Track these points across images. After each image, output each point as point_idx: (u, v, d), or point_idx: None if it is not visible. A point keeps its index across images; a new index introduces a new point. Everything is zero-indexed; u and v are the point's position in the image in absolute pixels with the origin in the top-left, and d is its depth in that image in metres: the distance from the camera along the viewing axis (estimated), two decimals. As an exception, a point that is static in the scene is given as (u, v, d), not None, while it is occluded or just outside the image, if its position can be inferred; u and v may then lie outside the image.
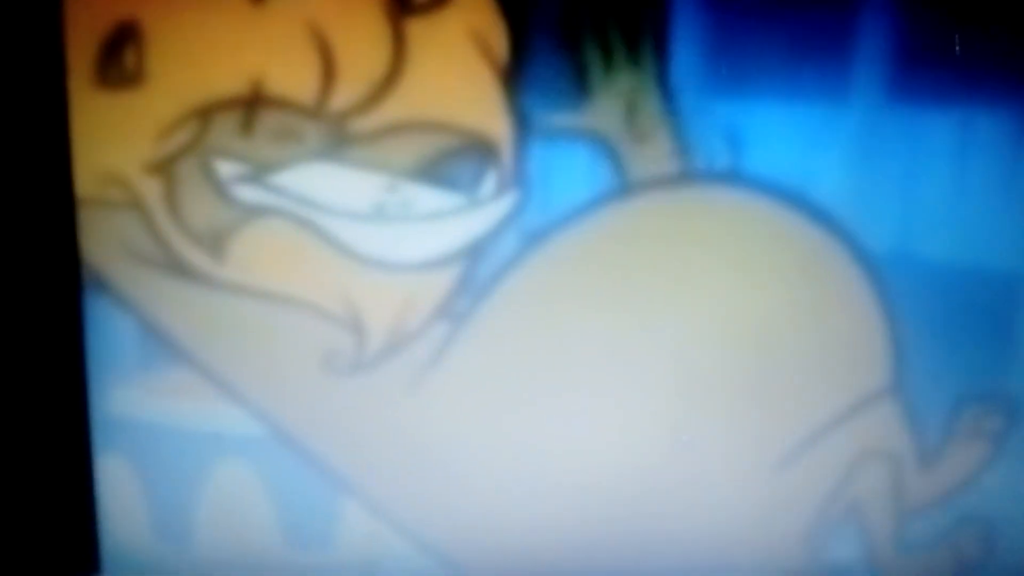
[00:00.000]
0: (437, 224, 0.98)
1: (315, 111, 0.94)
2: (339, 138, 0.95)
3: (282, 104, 0.94)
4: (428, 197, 0.97)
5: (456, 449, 1.04)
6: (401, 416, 1.03)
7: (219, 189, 0.96)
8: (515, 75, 0.95)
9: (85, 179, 0.97)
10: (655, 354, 1.02)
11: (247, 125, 0.95)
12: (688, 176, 0.97)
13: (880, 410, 1.03)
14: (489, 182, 0.96)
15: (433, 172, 0.96)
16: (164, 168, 0.96)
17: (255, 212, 0.97)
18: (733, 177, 0.97)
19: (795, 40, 0.95)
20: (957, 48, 0.94)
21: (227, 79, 0.94)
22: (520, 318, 1.01)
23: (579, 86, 0.95)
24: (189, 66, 0.94)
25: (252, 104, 0.94)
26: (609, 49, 0.94)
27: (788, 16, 0.94)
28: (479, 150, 0.96)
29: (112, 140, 0.96)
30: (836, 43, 0.95)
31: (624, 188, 0.97)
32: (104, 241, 0.98)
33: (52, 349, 1.00)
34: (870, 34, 0.94)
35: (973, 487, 1.06)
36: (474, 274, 0.99)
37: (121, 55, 0.94)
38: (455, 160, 0.96)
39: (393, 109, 0.94)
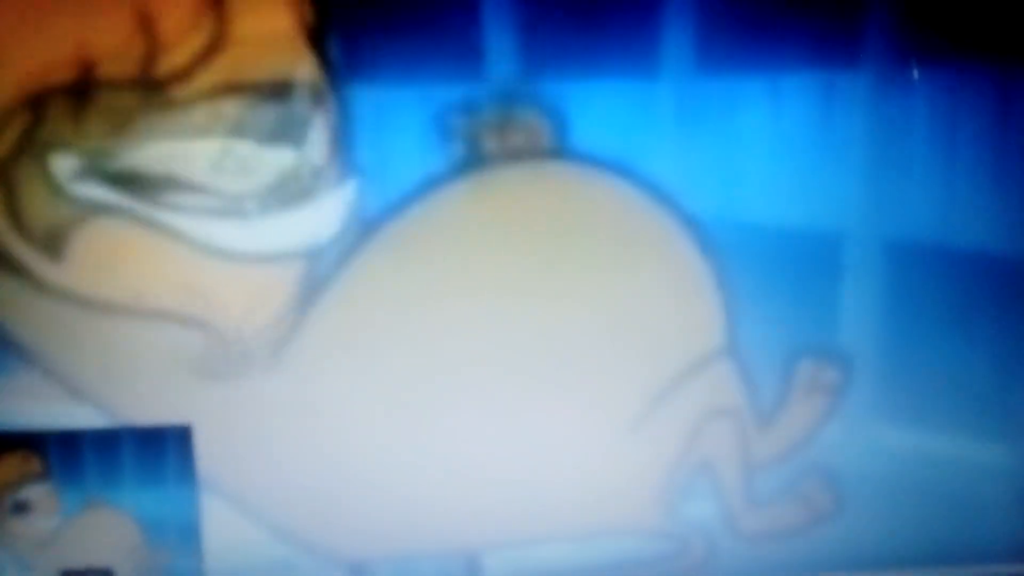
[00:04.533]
0: (276, 212, 1.02)
1: (140, 83, 0.98)
2: (167, 107, 0.99)
3: (109, 82, 0.98)
4: (261, 154, 1.01)
5: (308, 440, 1.09)
6: (249, 410, 1.08)
7: (56, 186, 1.00)
8: (325, 31, 0.99)
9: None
10: (497, 330, 1.06)
11: (78, 109, 0.98)
12: (515, 154, 1.03)
13: (718, 369, 1.08)
14: (318, 128, 1.01)
15: (263, 127, 1.00)
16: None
17: (94, 210, 1.01)
18: (560, 153, 1.03)
19: (608, 15, 1.01)
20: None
21: (51, 64, 0.97)
22: (364, 305, 1.05)
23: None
24: (11, 55, 0.97)
25: (81, 86, 0.97)
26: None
27: None
28: (303, 99, 1.00)
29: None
30: (646, 17, 1.01)
31: (456, 168, 1.03)
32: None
33: None
34: (676, 6, 1.01)
35: (816, 439, 1.10)
36: (316, 262, 1.04)
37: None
38: (282, 112, 1.00)
39: (216, 73, 0.99)
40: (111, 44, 0.97)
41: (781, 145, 1.04)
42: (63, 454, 1.08)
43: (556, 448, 1.09)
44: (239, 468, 1.10)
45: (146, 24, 0.97)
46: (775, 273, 1.06)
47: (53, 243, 1.01)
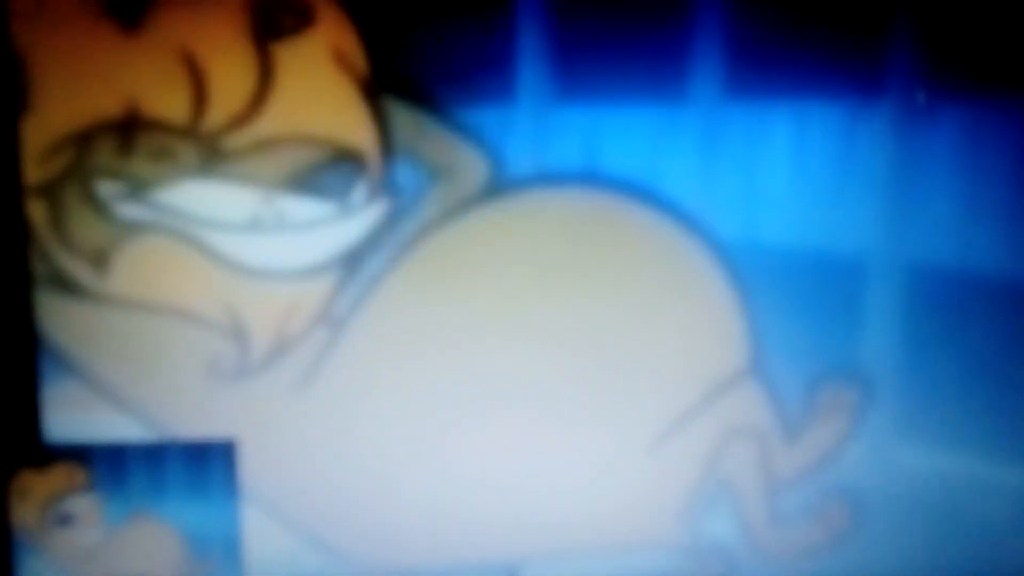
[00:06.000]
0: (313, 232, 1.06)
1: (189, 131, 1.03)
2: (214, 155, 1.03)
3: (157, 126, 1.02)
4: (302, 208, 1.05)
5: (340, 452, 1.12)
6: (289, 419, 1.10)
7: (101, 208, 1.04)
8: (377, 90, 1.04)
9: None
10: (525, 350, 1.09)
11: (125, 146, 1.03)
12: (544, 178, 1.06)
13: (742, 390, 1.10)
14: (360, 191, 1.05)
15: (305, 184, 1.04)
16: (47, 190, 1.04)
17: (137, 228, 1.05)
18: (587, 177, 1.06)
19: (635, 43, 1.04)
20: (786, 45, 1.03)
21: (104, 104, 1.02)
22: (396, 322, 1.08)
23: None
24: (68, 93, 1.02)
25: (129, 127, 1.02)
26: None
27: (627, 21, 1.04)
28: (348, 161, 1.04)
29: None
30: (673, 43, 1.04)
31: (487, 191, 1.06)
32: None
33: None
34: (704, 33, 1.03)
35: (837, 460, 1.12)
36: (350, 279, 1.08)
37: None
38: (326, 171, 1.04)
39: (264, 126, 1.03)
40: (158, 89, 1.03)
41: (805, 171, 1.06)
42: (108, 466, 1.12)
43: (584, 464, 1.12)
44: (281, 482, 1.13)
45: (193, 72, 1.03)
46: (798, 296, 1.08)
47: (99, 257, 1.06)
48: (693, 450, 1.11)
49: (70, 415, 1.09)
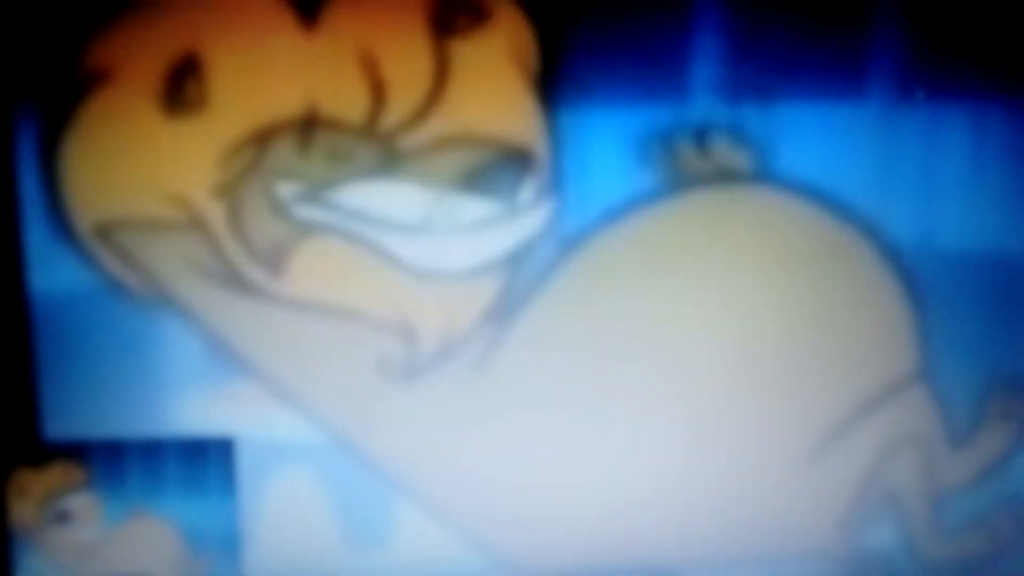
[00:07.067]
0: (481, 233, 1.03)
1: (366, 130, 0.99)
2: (389, 155, 1.00)
3: (335, 125, 1.00)
4: (471, 207, 1.02)
5: (506, 450, 1.08)
6: (453, 418, 1.07)
7: (278, 208, 1.02)
8: (550, 88, 1.00)
9: (152, 201, 1.02)
10: (690, 352, 1.06)
11: (303, 146, 1.00)
12: (718, 177, 1.03)
13: (910, 396, 1.07)
14: (528, 190, 1.02)
15: (476, 183, 1.01)
16: (227, 190, 1.01)
17: (311, 229, 1.02)
18: (761, 177, 1.02)
19: (811, 42, 1.01)
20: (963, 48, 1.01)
21: (283, 104, 1.00)
22: (561, 321, 1.05)
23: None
24: (247, 92, 1.00)
25: (307, 126, 1.00)
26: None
27: (804, 20, 1.00)
28: (518, 160, 1.01)
29: (177, 164, 1.01)
30: (850, 43, 1.01)
31: (657, 191, 1.03)
32: (170, 260, 1.03)
33: None
34: (882, 33, 1.00)
35: (1006, 468, 1.10)
36: (517, 279, 1.04)
37: (184, 84, 0.99)
38: (496, 171, 1.01)
39: (438, 125, 1.00)
40: (337, 87, 1.00)
41: (981, 172, 1.04)
42: (106, 464, 1.08)
43: (747, 469, 1.09)
44: (436, 478, 1.10)
45: (370, 70, 0.99)
46: (972, 301, 1.06)
47: (274, 258, 1.03)
48: (858, 456, 1.09)
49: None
